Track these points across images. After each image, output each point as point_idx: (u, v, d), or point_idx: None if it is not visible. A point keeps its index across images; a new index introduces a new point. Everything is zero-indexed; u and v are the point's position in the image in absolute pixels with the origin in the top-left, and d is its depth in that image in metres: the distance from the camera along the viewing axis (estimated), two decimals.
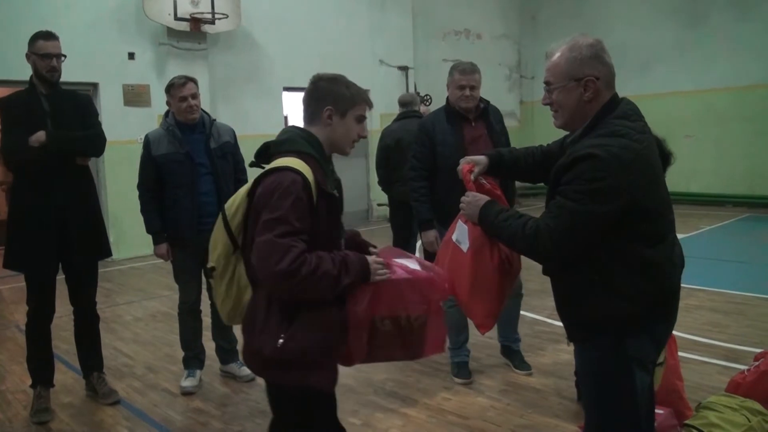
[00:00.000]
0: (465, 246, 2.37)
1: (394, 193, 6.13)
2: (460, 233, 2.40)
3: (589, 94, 2.03)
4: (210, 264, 2.19)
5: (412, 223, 6.13)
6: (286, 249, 1.93)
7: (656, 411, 2.97)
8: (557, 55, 2.08)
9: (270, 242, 1.94)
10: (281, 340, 2.01)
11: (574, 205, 1.93)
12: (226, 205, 2.15)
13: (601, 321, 2.04)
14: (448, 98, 4.07)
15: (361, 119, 2.25)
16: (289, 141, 2.15)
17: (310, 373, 2.08)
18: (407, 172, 4.26)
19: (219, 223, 2.17)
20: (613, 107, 2.04)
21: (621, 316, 2.01)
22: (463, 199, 2.34)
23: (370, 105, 2.27)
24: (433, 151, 4.02)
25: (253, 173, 2.37)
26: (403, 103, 6.33)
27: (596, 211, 1.91)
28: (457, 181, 3.84)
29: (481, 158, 2.48)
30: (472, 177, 2.43)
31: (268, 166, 2.10)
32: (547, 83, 2.13)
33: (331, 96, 2.18)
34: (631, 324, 2.02)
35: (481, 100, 4.06)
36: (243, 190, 2.14)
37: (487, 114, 4.07)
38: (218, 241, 2.16)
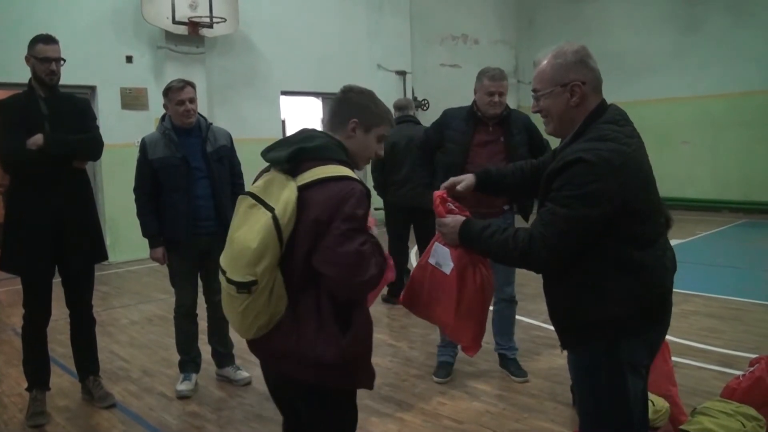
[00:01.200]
0: (448, 268, 2.34)
1: (389, 197, 6.15)
2: (440, 255, 2.37)
3: (576, 99, 2.06)
4: (249, 278, 1.97)
5: (408, 227, 6.16)
6: (370, 258, 2.00)
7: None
8: (543, 62, 2.11)
9: (358, 253, 1.96)
10: (343, 346, 2.03)
11: (566, 211, 1.93)
12: (278, 214, 1.94)
13: (594, 325, 2.04)
14: (475, 101, 4.06)
15: (382, 139, 2.26)
16: (326, 148, 2.10)
17: (362, 372, 2.17)
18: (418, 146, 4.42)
19: (266, 233, 1.94)
20: (602, 112, 2.07)
21: (613, 319, 2.01)
22: (439, 227, 2.31)
23: (393, 126, 2.31)
24: (441, 138, 4.14)
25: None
26: (398, 107, 6.38)
27: (588, 216, 1.92)
28: (451, 177, 3.89)
29: (468, 176, 2.49)
30: (459, 185, 2.44)
31: (315, 174, 2.01)
32: (534, 91, 2.16)
33: (360, 109, 2.19)
34: (623, 328, 2.03)
35: (507, 107, 4.07)
36: (291, 197, 1.97)
37: (508, 121, 4.05)
38: (267, 251, 1.95)
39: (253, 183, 2.20)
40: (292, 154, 2.04)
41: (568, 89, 2.06)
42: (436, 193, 2.41)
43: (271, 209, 1.96)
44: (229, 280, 2.02)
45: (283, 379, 2.20)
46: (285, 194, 1.98)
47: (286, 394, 2.28)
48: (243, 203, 2.08)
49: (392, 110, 6.36)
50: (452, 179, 2.49)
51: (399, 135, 5.95)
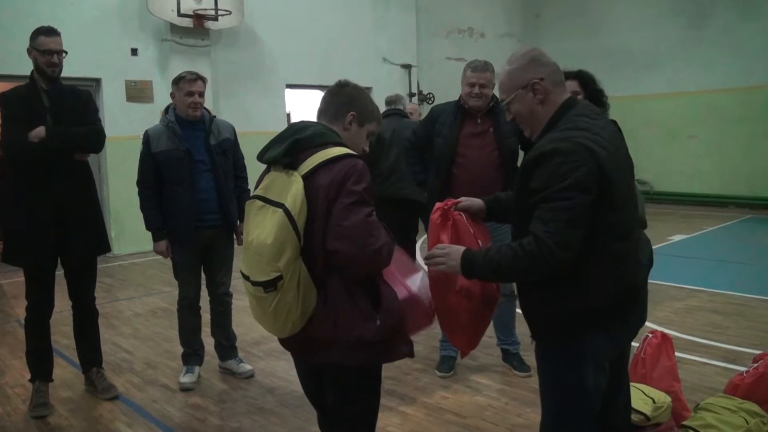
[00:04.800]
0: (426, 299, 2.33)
1: (375, 189, 6.13)
2: (423, 287, 2.33)
3: (539, 96, 2.11)
4: (273, 274, 1.97)
5: (395, 218, 6.11)
6: (378, 227, 2.05)
7: None
8: (502, 73, 2.19)
9: (365, 222, 2.01)
10: (378, 321, 2.07)
11: (563, 203, 1.91)
12: (288, 205, 1.96)
13: (564, 316, 2.04)
14: (461, 94, 4.07)
15: (370, 135, 2.32)
16: (321, 134, 2.13)
17: (401, 344, 2.19)
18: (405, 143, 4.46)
19: (280, 227, 1.95)
20: (572, 106, 2.11)
21: (584, 310, 2.00)
22: (434, 253, 2.23)
23: (381, 124, 2.37)
24: (430, 134, 4.15)
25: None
26: (387, 102, 6.47)
27: (585, 201, 1.91)
28: (441, 170, 3.90)
29: (477, 201, 2.50)
30: (453, 209, 2.44)
31: (315, 160, 2.04)
32: (502, 101, 2.21)
33: (357, 103, 2.25)
34: (590, 320, 2.02)
35: (493, 97, 4.05)
36: (298, 188, 1.99)
37: (496, 112, 4.04)
38: (286, 245, 1.95)
39: (256, 186, 2.21)
40: (288, 147, 2.08)
41: (529, 89, 2.11)
42: (439, 204, 2.42)
43: (280, 205, 1.98)
44: (254, 283, 2.03)
45: (321, 368, 2.22)
46: (291, 187, 2.00)
47: (320, 387, 2.29)
48: (252, 208, 2.10)
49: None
50: (465, 203, 2.48)
51: (384, 127, 5.94)
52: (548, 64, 2.14)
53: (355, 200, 2.00)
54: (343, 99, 2.25)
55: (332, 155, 2.05)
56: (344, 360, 2.09)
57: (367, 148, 2.33)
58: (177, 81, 3.99)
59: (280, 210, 1.97)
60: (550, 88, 2.11)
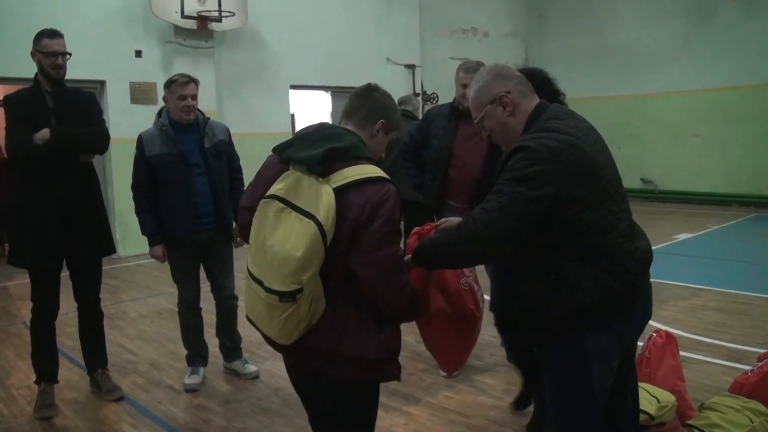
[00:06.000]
0: None
1: None
2: None
3: (509, 109, 2.17)
4: (294, 286, 1.90)
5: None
6: (404, 264, 2.09)
7: None
8: (470, 92, 2.25)
9: (395, 257, 2.01)
10: (382, 340, 2.07)
11: (505, 188, 1.99)
12: (321, 219, 1.87)
13: (562, 318, 2.04)
14: (456, 95, 4.08)
15: (391, 143, 2.30)
16: (355, 147, 2.06)
17: (393, 365, 2.18)
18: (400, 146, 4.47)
19: (312, 242, 1.87)
20: (542, 111, 2.15)
21: (579, 309, 2.01)
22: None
23: (401, 134, 2.35)
24: (427, 137, 4.17)
25: (250, 172, 2.33)
26: (400, 102, 6.53)
27: (527, 195, 1.94)
28: (438, 172, 3.91)
29: (457, 220, 2.46)
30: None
31: (349, 174, 1.97)
32: (475, 119, 2.26)
33: (387, 112, 2.21)
34: (589, 318, 2.03)
35: None
36: (331, 203, 1.90)
37: None
38: (314, 259, 1.89)
39: (259, 180, 2.17)
40: (325, 155, 1.97)
41: (497, 103, 2.16)
42: (416, 228, 2.42)
43: (311, 216, 1.89)
44: (269, 290, 1.94)
45: (315, 375, 2.19)
46: (324, 199, 1.91)
47: (316, 389, 2.27)
48: (270, 208, 1.98)
49: (402, 105, 6.49)
50: (445, 226, 2.46)
51: None
52: (513, 77, 2.20)
53: (391, 230, 1.98)
54: (374, 105, 2.19)
55: (368, 175, 1.99)
56: (342, 373, 2.09)
57: (383, 156, 2.29)
58: (169, 84, 3.98)
59: (313, 223, 1.87)
60: (518, 99, 2.16)
